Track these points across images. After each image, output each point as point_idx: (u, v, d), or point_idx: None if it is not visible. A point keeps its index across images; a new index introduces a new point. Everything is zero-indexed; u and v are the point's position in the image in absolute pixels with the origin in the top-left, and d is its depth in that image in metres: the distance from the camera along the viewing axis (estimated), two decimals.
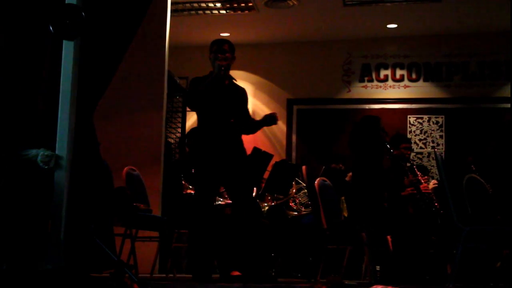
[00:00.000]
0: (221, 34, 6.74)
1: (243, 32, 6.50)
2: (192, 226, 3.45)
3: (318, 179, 4.01)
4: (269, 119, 3.45)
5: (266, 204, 4.83)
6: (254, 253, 3.33)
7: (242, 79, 6.41)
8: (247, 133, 3.56)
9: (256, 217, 3.40)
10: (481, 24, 6.32)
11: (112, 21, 2.49)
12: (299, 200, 5.06)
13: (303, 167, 4.20)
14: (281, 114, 6.97)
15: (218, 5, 6.11)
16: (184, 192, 4.09)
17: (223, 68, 3.34)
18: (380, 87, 6.87)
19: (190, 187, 4.07)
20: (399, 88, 6.85)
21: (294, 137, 6.89)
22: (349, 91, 6.92)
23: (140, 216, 3.99)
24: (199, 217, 3.34)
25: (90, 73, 2.39)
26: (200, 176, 3.41)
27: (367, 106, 6.82)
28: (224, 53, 3.39)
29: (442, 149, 6.61)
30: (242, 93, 3.55)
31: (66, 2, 2.23)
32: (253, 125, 3.56)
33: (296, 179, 5.03)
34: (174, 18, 5.58)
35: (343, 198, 4.65)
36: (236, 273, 3.34)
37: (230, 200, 3.52)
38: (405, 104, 6.78)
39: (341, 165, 5.26)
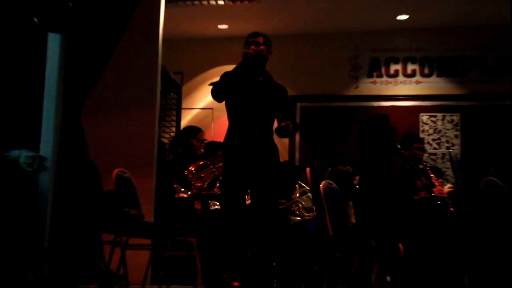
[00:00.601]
0: (219, 26, 6.73)
1: (243, 24, 6.49)
2: (218, 236, 3.44)
3: (324, 182, 4.00)
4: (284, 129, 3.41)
5: None
6: (257, 263, 3.32)
7: None
8: (282, 136, 3.52)
9: (272, 229, 3.38)
10: (499, 15, 6.31)
11: (102, 11, 2.48)
12: (303, 204, 5.06)
13: (307, 169, 4.20)
14: None
15: None
16: (176, 196, 4.08)
17: (248, 55, 3.32)
18: (390, 83, 6.86)
19: (183, 189, 4.08)
20: (410, 84, 6.84)
21: (297, 137, 6.88)
22: (357, 87, 6.91)
23: (131, 222, 3.98)
24: (226, 227, 3.32)
25: (77, 68, 2.39)
26: (227, 180, 3.40)
27: (376, 104, 6.81)
28: (257, 45, 3.39)
29: (458, 149, 6.60)
30: (279, 91, 3.51)
31: None
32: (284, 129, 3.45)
33: (300, 182, 5.03)
34: (168, 8, 5.57)
35: (350, 202, 4.64)
36: (236, 283, 3.33)
37: (252, 205, 3.51)
38: (417, 101, 6.78)
39: (348, 167, 5.25)
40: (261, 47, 3.42)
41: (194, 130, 4.48)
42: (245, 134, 3.37)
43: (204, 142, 4.49)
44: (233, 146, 3.39)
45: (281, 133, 3.47)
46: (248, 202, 3.94)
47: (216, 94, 3.43)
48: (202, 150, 4.38)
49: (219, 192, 4.12)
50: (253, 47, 3.37)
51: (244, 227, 3.51)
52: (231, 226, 3.32)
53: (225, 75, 3.45)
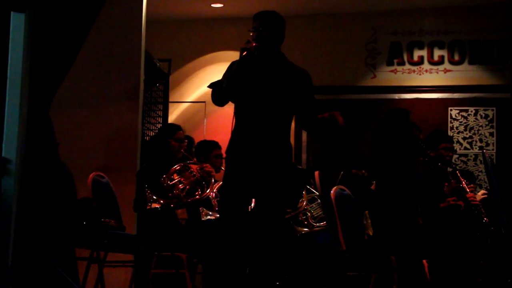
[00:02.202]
0: (213, 5, 6.74)
1: (241, 2, 6.50)
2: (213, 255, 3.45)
3: (335, 188, 4.01)
4: (329, 119, 3.34)
5: None
6: (257, 282, 3.33)
7: None
8: (307, 130, 3.45)
9: (275, 242, 3.38)
10: None
11: None
12: (312, 213, 5.07)
13: (316, 173, 4.21)
14: None
15: None
16: (148, 208, 4.06)
17: (244, 53, 3.27)
18: (414, 71, 6.87)
19: (154, 197, 4.08)
20: (437, 72, 6.84)
21: (304, 135, 6.89)
22: (374, 76, 6.91)
23: (110, 235, 3.99)
24: (222, 240, 3.33)
25: (46, 54, 2.39)
26: (228, 186, 3.37)
27: (396, 96, 6.81)
28: (257, 33, 3.32)
29: (493, 149, 6.60)
30: (298, 78, 3.38)
31: None
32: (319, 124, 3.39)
33: (308, 187, 5.04)
34: None
35: (366, 212, 4.65)
36: None
37: (256, 215, 3.51)
38: (445, 94, 6.78)
39: (364, 171, 5.26)
40: (265, 33, 3.34)
41: (170, 129, 4.46)
42: (255, 132, 3.31)
43: (186, 141, 4.47)
44: (240, 147, 3.35)
45: (319, 129, 3.39)
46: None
47: (217, 99, 3.38)
48: (183, 151, 4.37)
49: (197, 198, 4.13)
50: (250, 44, 3.31)
51: (242, 240, 3.51)
52: (229, 239, 3.32)
53: (229, 69, 3.38)
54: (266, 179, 3.29)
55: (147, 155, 5.02)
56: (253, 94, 3.32)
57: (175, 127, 4.46)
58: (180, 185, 4.17)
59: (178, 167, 4.21)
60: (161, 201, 4.03)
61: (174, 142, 4.31)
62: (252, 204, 3.61)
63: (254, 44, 3.29)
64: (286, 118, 3.38)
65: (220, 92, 3.34)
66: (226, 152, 3.45)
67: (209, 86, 3.41)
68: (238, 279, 3.39)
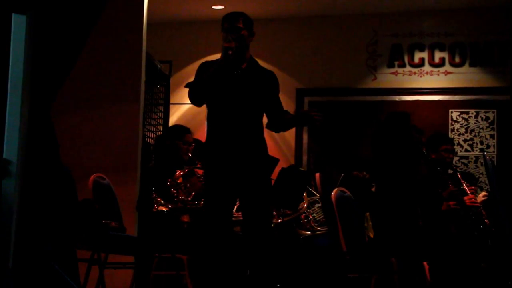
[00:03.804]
0: (214, 7, 6.74)
1: (241, 4, 6.50)
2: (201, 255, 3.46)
3: (336, 189, 4.01)
4: (305, 118, 3.43)
5: None
6: (257, 284, 3.33)
7: None
8: (278, 130, 3.60)
9: (269, 245, 3.39)
10: None
11: None
12: (313, 216, 5.06)
13: (317, 175, 4.22)
14: (289, 107, 6.98)
15: None
16: (154, 210, 4.06)
17: (230, 53, 3.32)
18: (415, 73, 6.87)
19: (163, 202, 4.07)
20: (438, 75, 6.84)
21: (305, 137, 6.89)
22: (375, 78, 6.91)
23: (110, 237, 3.99)
24: (210, 244, 3.34)
25: (47, 56, 2.39)
26: (210, 189, 3.39)
27: (397, 98, 6.81)
28: (237, 32, 3.37)
29: (494, 152, 6.60)
30: (267, 79, 3.50)
31: None
32: (285, 122, 3.53)
33: (309, 189, 5.04)
34: None
35: (367, 214, 4.65)
36: None
37: (242, 217, 3.52)
38: (446, 96, 6.78)
39: (365, 173, 5.26)
40: (243, 32, 3.39)
41: (180, 131, 4.43)
42: (230, 133, 3.36)
43: (193, 145, 4.46)
44: (216, 150, 3.37)
45: (290, 124, 3.44)
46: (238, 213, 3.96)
47: (195, 98, 3.42)
48: (190, 155, 4.36)
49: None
50: (232, 35, 3.35)
51: (240, 242, 3.52)
52: (217, 242, 3.32)
53: (202, 69, 3.41)
54: (246, 176, 3.34)
55: (152, 154, 5.01)
56: (231, 95, 3.38)
57: (185, 130, 4.43)
58: (186, 190, 4.15)
59: (185, 172, 4.19)
60: (169, 206, 4.03)
61: (182, 145, 4.30)
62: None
63: (235, 44, 3.33)
64: (259, 117, 3.47)
65: (201, 89, 3.36)
66: (201, 155, 3.50)
67: (186, 86, 3.44)
68: (231, 278, 3.40)
